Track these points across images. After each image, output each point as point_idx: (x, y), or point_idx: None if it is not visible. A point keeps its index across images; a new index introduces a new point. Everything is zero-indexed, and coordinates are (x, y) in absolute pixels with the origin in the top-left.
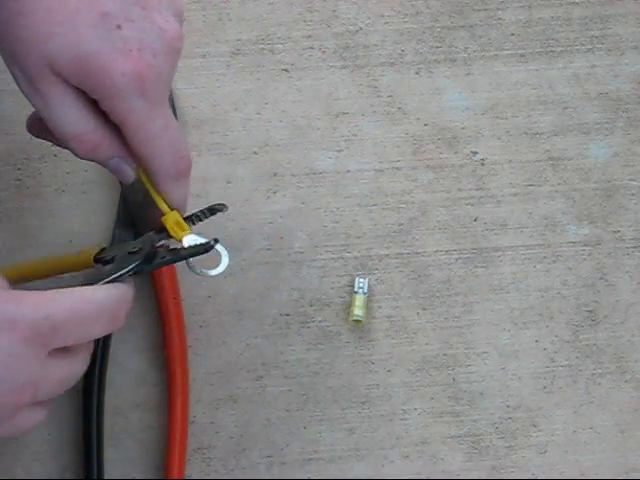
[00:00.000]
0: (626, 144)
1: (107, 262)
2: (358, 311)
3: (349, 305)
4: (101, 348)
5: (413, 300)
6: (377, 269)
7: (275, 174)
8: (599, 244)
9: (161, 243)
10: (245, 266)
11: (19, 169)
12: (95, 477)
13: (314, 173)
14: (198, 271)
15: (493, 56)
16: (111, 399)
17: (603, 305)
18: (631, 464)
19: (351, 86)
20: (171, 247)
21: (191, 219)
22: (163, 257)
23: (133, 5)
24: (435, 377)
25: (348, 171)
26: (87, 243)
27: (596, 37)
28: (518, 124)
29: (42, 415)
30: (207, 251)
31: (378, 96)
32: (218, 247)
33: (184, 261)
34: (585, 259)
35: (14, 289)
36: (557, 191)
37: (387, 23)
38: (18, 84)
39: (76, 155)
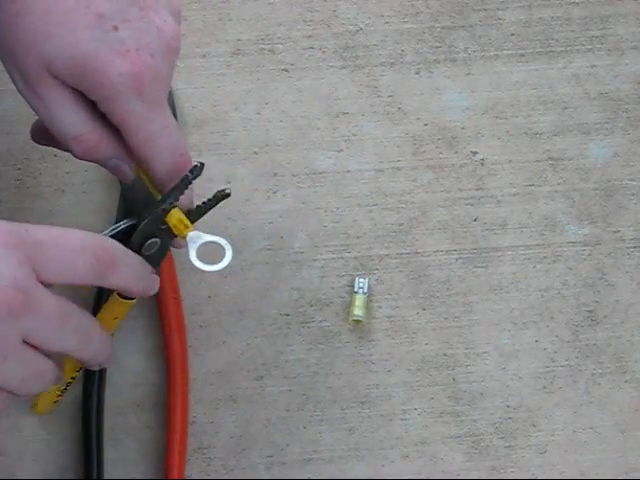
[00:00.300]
0: (626, 144)
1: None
2: (358, 311)
3: (349, 305)
4: None
5: (413, 300)
6: (377, 269)
7: (275, 174)
8: (599, 244)
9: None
10: (245, 266)
11: (19, 169)
12: (95, 477)
13: (314, 173)
14: (202, 266)
15: (493, 56)
16: (111, 399)
17: (603, 305)
18: (631, 464)
19: (351, 86)
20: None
21: (197, 211)
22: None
23: (130, 5)
24: (435, 377)
25: (348, 171)
26: None
27: (596, 37)
28: (518, 124)
29: (5, 404)
30: (218, 201)
31: (378, 96)
32: (222, 241)
33: (188, 260)
34: (585, 259)
35: None
36: (557, 191)
37: (387, 23)
38: (16, 86)
39: (75, 156)
